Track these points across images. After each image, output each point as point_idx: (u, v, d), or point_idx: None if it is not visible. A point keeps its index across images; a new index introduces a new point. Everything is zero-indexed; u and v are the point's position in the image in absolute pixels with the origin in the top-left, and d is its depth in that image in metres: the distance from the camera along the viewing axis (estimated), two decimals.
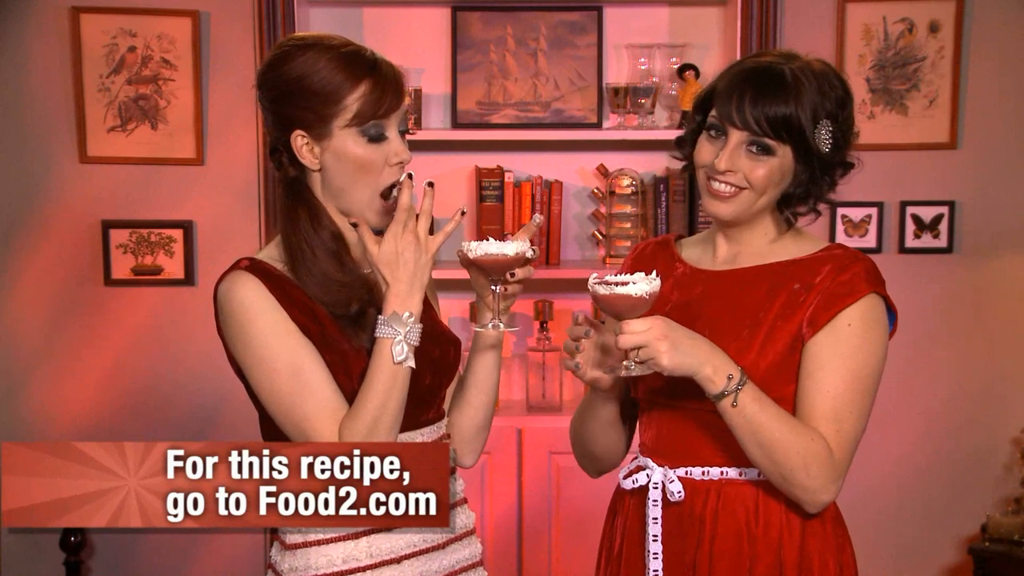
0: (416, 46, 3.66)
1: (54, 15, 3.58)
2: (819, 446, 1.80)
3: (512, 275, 1.83)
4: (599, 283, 1.74)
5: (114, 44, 3.59)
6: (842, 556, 1.92)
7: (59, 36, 3.59)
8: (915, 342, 3.62)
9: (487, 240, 1.81)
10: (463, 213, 1.82)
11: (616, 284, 1.73)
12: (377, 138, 1.82)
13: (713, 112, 1.88)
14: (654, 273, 1.76)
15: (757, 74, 1.85)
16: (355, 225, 1.81)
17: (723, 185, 1.87)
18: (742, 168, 1.85)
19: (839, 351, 1.82)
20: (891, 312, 1.92)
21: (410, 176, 1.80)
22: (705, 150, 1.89)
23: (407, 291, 1.75)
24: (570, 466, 3.41)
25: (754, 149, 1.84)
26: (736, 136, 1.85)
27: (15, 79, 3.60)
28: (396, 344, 1.74)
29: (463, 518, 1.97)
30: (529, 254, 1.81)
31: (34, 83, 3.61)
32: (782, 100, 1.82)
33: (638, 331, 1.73)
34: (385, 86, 1.81)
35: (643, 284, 1.72)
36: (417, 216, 1.77)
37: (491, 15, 3.66)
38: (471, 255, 1.80)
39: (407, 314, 1.74)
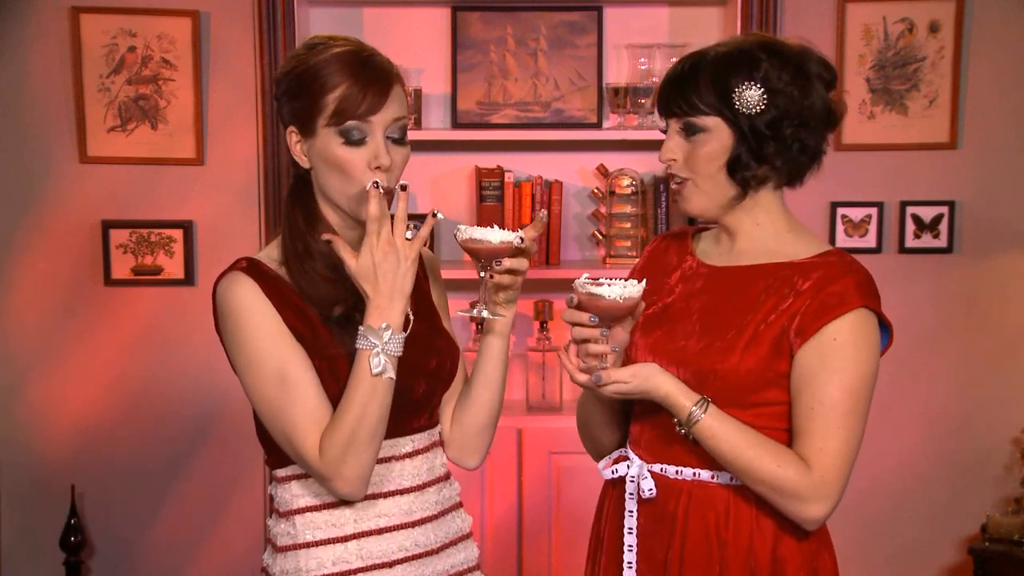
0: (416, 46, 3.66)
1: (54, 15, 3.58)
2: (786, 472, 1.81)
3: (498, 263, 1.82)
4: (581, 283, 1.78)
5: (114, 44, 3.59)
6: (817, 562, 1.91)
7: (59, 36, 3.59)
8: (915, 342, 3.62)
9: (482, 227, 1.81)
10: (435, 215, 1.77)
11: (593, 286, 1.77)
12: (357, 141, 1.78)
13: None
14: (644, 282, 1.79)
15: (675, 67, 1.92)
16: (328, 242, 1.79)
17: (675, 179, 1.92)
18: (682, 155, 1.90)
19: (826, 367, 1.82)
20: (885, 328, 1.89)
21: (376, 184, 1.74)
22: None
23: (387, 303, 1.73)
24: (570, 466, 3.42)
25: (687, 132, 1.89)
26: (672, 126, 1.91)
27: (15, 79, 3.60)
28: (373, 356, 1.73)
29: (458, 522, 1.97)
30: (516, 243, 1.80)
31: (34, 83, 3.61)
32: (693, 77, 1.87)
33: (623, 382, 1.82)
34: (367, 86, 1.78)
35: (617, 288, 1.76)
36: (393, 221, 1.74)
37: (491, 15, 3.66)
38: (458, 238, 1.81)
39: (384, 325, 1.72)
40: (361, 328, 1.74)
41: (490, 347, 1.97)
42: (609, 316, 1.78)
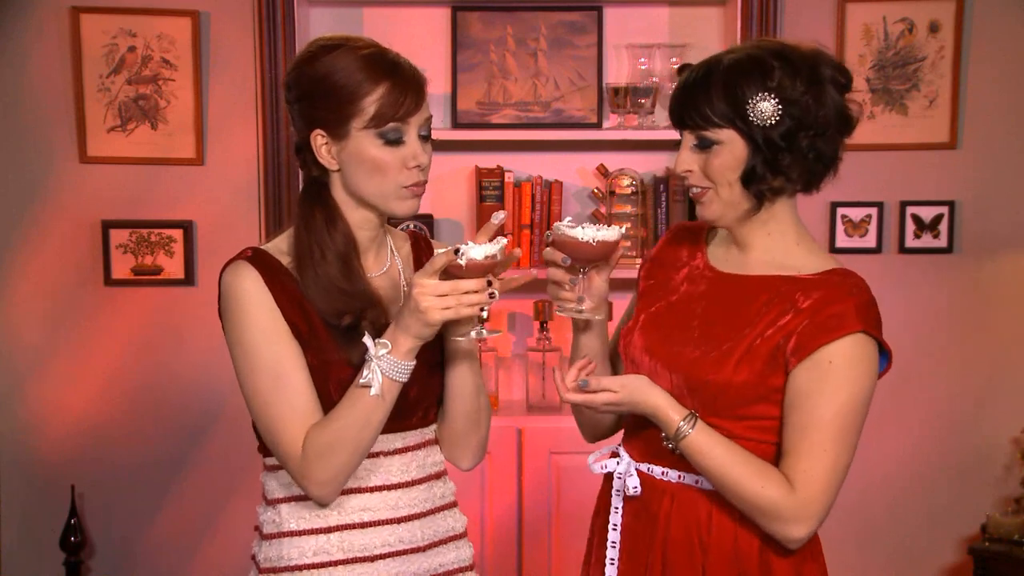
0: (416, 46, 3.65)
1: (54, 15, 3.58)
2: (770, 493, 1.79)
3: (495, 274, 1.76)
4: (558, 224, 1.85)
5: (114, 44, 3.59)
6: (803, 567, 1.89)
7: (59, 36, 3.59)
8: (915, 342, 3.62)
9: (462, 245, 1.73)
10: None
11: (568, 228, 1.84)
12: (395, 141, 1.81)
13: None
14: (623, 228, 1.88)
15: (688, 76, 1.88)
16: (345, 243, 1.85)
17: (693, 188, 1.90)
18: (698, 166, 1.87)
19: (820, 389, 1.79)
20: (884, 353, 1.86)
21: (457, 251, 1.71)
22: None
23: (401, 332, 1.75)
24: (570, 466, 3.42)
25: (701, 145, 1.86)
26: (686, 138, 1.88)
27: (15, 79, 3.60)
28: (366, 368, 1.76)
29: (450, 521, 1.97)
30: (500, 255, 1.73)
31: (34, 83, 3.61)
32: (706, 89, 1.83)
33: (612, 391, 1.85)
34: (405, 89, 1.81)
35: (591, 231, 1.83)
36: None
37: (491, 15, 3.66)
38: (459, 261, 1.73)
39: (386, 343, 1.75)
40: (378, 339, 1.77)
41: (456, 364, 1.93)
42: (583, 258, 1.85)
